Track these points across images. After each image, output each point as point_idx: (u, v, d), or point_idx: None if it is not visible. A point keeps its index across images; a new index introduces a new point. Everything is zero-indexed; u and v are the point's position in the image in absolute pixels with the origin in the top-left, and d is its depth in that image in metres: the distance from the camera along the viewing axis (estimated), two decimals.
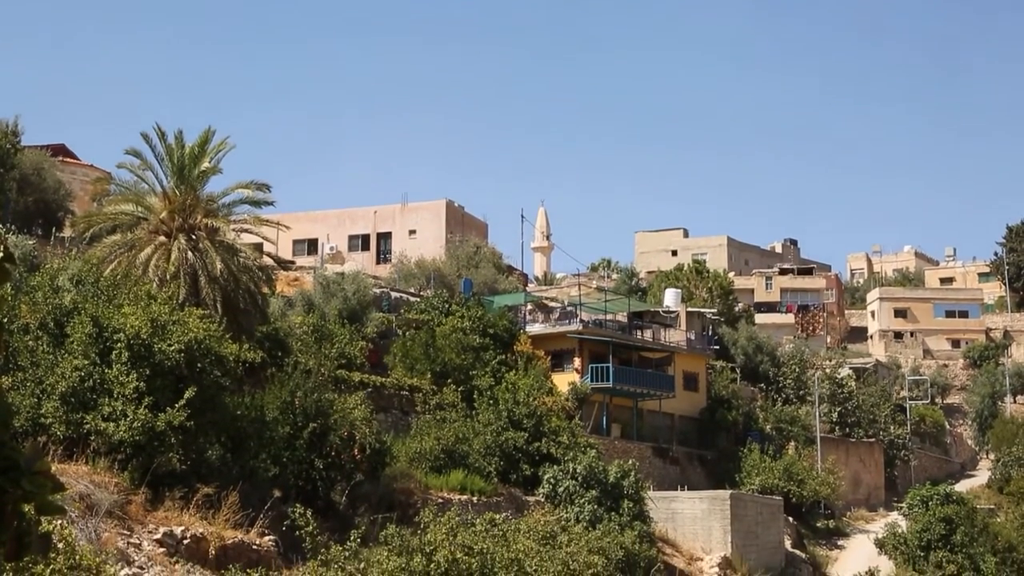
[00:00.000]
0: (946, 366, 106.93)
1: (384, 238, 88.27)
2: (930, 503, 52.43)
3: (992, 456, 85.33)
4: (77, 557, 18.96)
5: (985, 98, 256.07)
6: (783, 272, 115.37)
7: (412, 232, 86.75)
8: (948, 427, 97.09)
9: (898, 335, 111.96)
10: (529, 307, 69.56)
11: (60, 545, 18.34)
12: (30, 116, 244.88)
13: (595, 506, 42.88)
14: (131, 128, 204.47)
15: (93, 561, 19.45)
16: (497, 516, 31.39)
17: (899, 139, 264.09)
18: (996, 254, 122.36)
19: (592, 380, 60.77)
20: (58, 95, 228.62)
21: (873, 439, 77.59)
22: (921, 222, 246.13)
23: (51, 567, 17.99)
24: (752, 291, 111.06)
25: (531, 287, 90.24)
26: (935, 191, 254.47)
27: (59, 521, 19.54)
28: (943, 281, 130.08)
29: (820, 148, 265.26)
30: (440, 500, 37.16)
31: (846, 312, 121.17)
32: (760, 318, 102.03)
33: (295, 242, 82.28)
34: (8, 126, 57.20)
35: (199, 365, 29.13)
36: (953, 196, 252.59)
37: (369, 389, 45.32)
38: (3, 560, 3.97)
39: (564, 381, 59.63)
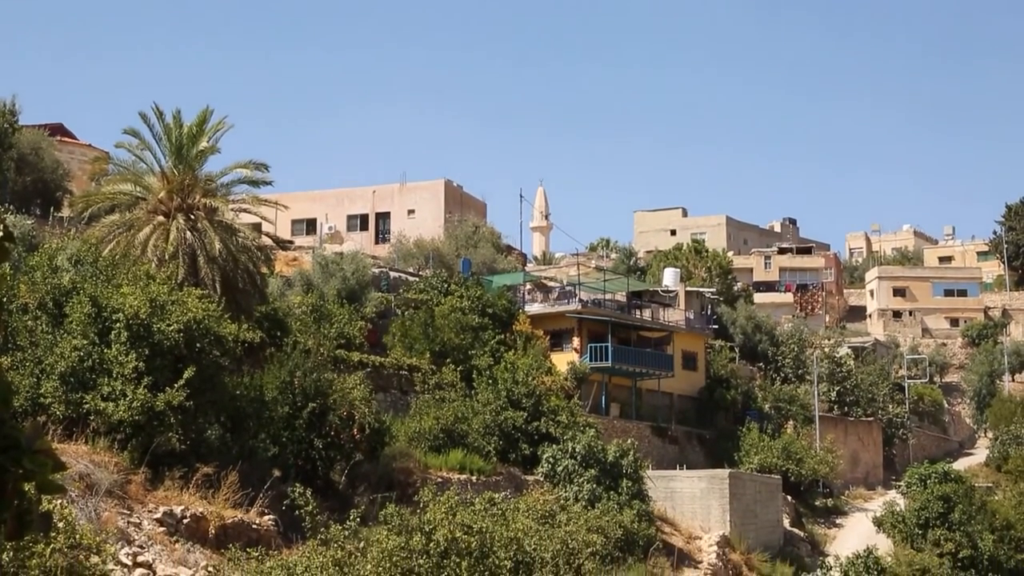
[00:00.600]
0: (944, 345, 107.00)
1: (383, 218, 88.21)
2: (928, 481, 52.48)
3: (990, 434, 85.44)
4: (77, 536, 18.99)
5: (984, 77, 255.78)
6: (782, 251, 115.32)
7: (411, 212, 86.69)
8: (946, 406, 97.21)
9: (897, 314, 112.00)
10: (528, 287, 69.58)
11: (60, 524, 18.38)
12: (27, 95, 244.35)
13: (594, 485, 42.95)
14: (129, 107, 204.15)
15: (93, 540, 19.48)
16: (496, 495, 31.43)
17: (898, 118, 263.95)
18: (995, 233, 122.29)
19: (591, 360, 60.80)
20: (55, 74, 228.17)
21: (871, 418, 77.69)
22: (920, 201, 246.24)
23: (51, 546, 18.03)
24: (751, 270, 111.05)
25: (530, 267, 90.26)
26: (934, 170, 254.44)
27: (59, 500, 19.58)
28: (942, 260, 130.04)
29: (819, 127, 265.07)
30: (439, 479, 37.22)
31: (845, 291, 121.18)
32: (759, 297, 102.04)
33: (293, 222, 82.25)
34: (5, 105, 57.06)
35: (198, 345, 29.15)
36: (952, 175, 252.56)
37: (368, 369, 45.36)
38: (4, 539, 3.97)
39: (563, 361, 59.67)
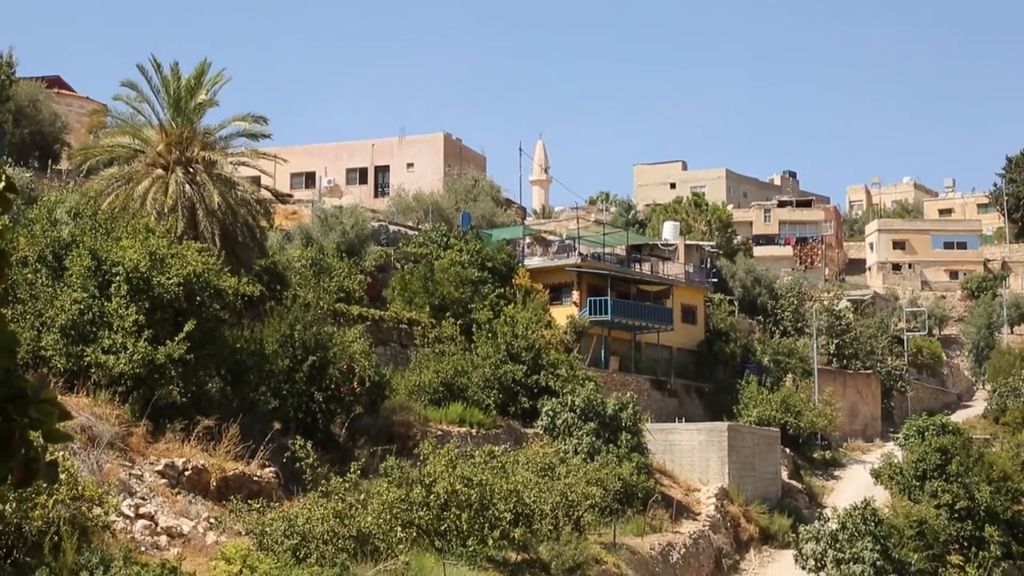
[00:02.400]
0: (944, 297, 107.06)
1: (382, 171, 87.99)
2: (926, 434, 52.68)
3: (988, 387, 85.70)
4: (80, 488, 19.10)
5: (985, 27, 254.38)
6: (782, 204, 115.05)
7: (410, 165, 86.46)
8: (945, 358, 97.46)
9: (896, 267, 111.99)
10: (527, 240, 69.52)
11: (63, 476, 18.47)
12: (23, 47, 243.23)
13: (593, 438, 43.11)
14: (126, 60, 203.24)
15: (96, 492, 19.60)
16: (496, 448, 31.61)
17: (899, 70, 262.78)
18: (995, 185, 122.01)
19: (590, 313, 60.87)
20: (51, 26, 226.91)
21: (870, 371, 77.90)
22: (920, 153, 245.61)
23: (54, 498, 18.14)
24: (750, 224, 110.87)
25: (529, 220, 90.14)
26: (935, 122, 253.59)
27: (61, 452, 19.67)
28: (942, 212, 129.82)
29: (819, 79, 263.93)
30: (439, 432, 37.35)
31: (844, 244, 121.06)
32: (758, 251, 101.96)
33: (292, 175, 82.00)
34: (2, 57, 56.76)
35: (198, 298, 29.16)
36: (953, 127, 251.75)
37: (368, 322, 45.41)
38: (12, 487, 4.00)
39: (562, 314, 59.73)
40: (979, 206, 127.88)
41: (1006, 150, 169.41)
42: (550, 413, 44.35)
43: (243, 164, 40.20)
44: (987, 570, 42.88)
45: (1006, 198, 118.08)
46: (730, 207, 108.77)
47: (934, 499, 47.41)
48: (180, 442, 26.61)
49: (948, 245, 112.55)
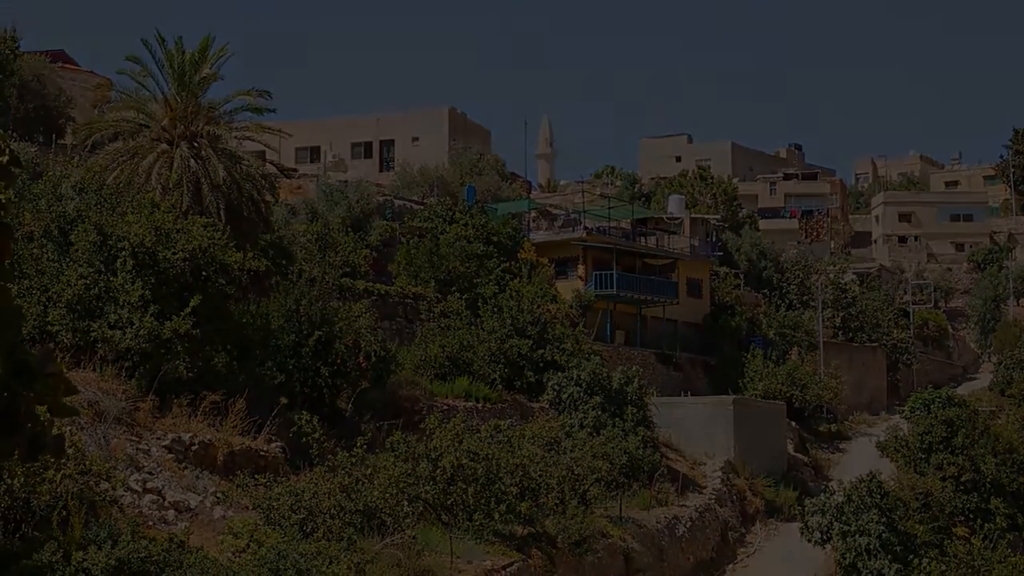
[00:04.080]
0: (950, 270, 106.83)
1: (387, 145, 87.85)
2: (932, 406, 52.69)
3: (994, 359, 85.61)
4: (87, 463, 19.15)
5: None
6: (787, 177, 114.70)
7: (415, 139, 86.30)
8: (951, 331, 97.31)
9: (902, 239, 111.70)
10: (533, 214, 69.42)
11: (70, 451, 18.51)
12: (27, 22, 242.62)
13: (599, 412, 43.12)
14: (129, 34, 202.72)
15: (103, 467, 19.65)
16: (502, 422, 31.66)
17: (905, 42, 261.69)
18: (1002, 157, 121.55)
19: (596, 287, 60.81)
20: (54, 1, 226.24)
21: (876, 344, 77.81)
22: (927, 126, 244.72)
23: (62, 472, 18.18)
24: (756, 197, 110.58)
25: (534, 194, 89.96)
26: (941, 94, 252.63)
27: (68, 427, 19.71)
28: (948, 185, 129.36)
29: (825, 52, 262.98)
30: (445, 407, 37.40)
31: (850, 217, 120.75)
32: (764, 224, 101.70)
33: (297, 150, 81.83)
34: (6, 32, 56.59)
35: (204, 273, 29.17)
36: (960, 99, 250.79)
37: (373, 297, 45.41)
38: (19, 461, 3.99)
39: (568, 288, 59.66)
40: (985, 178, 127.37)
41: (1013, 122, 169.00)
42: (556, 387, 44.36)
43: (247, 138, 40.10)
44: (993, 542, 42.90)
45: (1013, 170, 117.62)
46: (736, 180, 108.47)
47: (940, 471, 47.45)
48: (187, 417, 26.66)
49: (954, 217, 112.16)
